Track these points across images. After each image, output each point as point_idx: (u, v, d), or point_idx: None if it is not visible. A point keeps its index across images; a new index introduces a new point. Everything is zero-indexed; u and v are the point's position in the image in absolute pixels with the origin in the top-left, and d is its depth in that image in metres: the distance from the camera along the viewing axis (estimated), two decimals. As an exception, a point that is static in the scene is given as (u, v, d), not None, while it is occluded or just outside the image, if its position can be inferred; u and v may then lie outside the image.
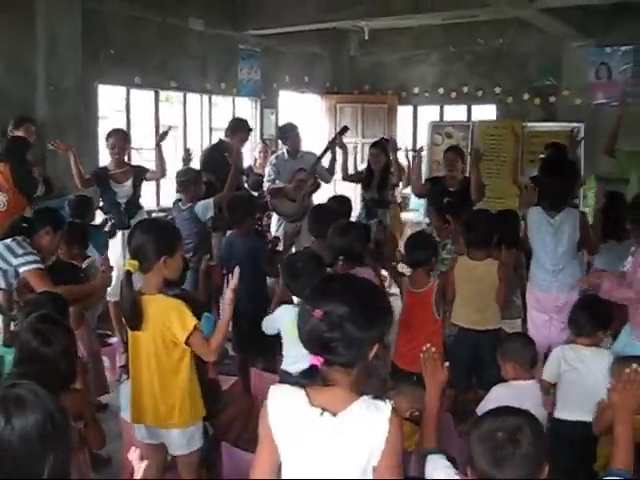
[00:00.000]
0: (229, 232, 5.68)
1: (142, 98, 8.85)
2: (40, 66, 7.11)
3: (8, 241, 4.23)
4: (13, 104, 6.80)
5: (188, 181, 6.07)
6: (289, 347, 3.94)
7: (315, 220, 5.20)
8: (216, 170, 6.70)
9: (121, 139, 6.55)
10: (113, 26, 7.90)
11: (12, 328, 4.75)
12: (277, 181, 7.32)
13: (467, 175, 6.75)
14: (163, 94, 9.23)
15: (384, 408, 2.04)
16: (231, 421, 4.01)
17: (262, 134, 10.17)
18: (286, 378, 2.38)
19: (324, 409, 2.02)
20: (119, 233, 6.28)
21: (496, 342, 4.35)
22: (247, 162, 8.56)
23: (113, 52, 7.84)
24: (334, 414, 2.02)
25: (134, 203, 6.53)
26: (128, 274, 3.12)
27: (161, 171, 6.69)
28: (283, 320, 3.94)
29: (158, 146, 6.66)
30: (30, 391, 1.78)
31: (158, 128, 8.61)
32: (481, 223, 4.77)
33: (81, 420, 2.94)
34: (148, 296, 3.18)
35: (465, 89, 10.64)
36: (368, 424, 2.02)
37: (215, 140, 8.42)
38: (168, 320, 3.11)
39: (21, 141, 5.99)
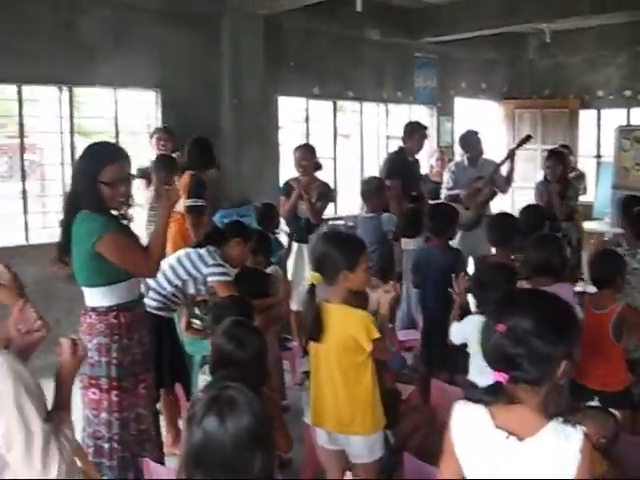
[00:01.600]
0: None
1: (318, 108, 9.02)
2: (225, 80, 7.44)
3: (201, 250, 4.48)
4: (200, 116, 7.14)
5: (371, 190, 6.07)
6: (476, 358, 3.82)
7: (495, 229, 5.03)
8: (399, 177, 6.64)
9: (307, 154, 6.46)
10: (292, 39, 8.13)
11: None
12: (455, 189, 7.18)
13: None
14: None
15: (575, 436, 1.89)
16: (412, 431, 3.95)
17: (438, 142, 10.07)
18: (471, 391, 2.29)
19: (510, 432, 1.91)
20: (295, 246, 6.35)
21: None
22: (424, 170, 8.48)
23: (292, 64, 8.06)
24: (520, 439, 1.90)
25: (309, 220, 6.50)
26: (311, 286, 3.14)
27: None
28: (471, 329, 3.82)
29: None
30: (242, 393, 1.82)
31: (336, 138, 8.74)
32: None
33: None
34: (333, 305, 3.18)
35: (654, 91, 10.01)
36: (558, 454, 1.88)
37: (393, 148, 8.40)
38: (354, 331, 3.11)
39: (202, 149, 6.14)
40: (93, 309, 3.37)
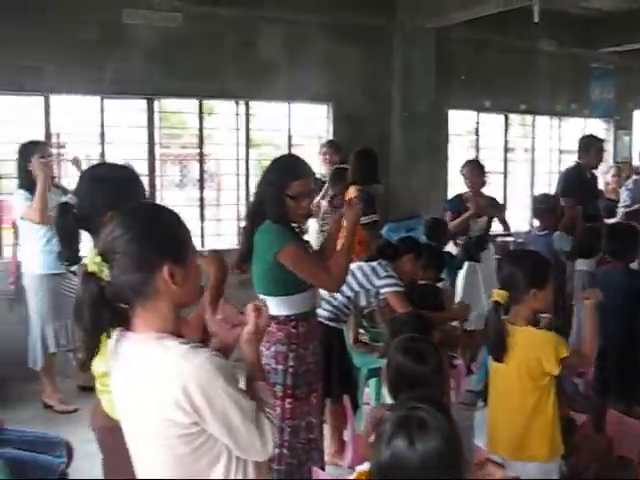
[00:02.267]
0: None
1: (489, 121, 8.85)
2: (396, 93, 7.47)
3: (374, 263, 4.51)
4: (370, 129, 7.21)
5: (546, 208, 5.87)
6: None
7: None
8: (575, 194, 6.34)
9: (475, 170, 6.33)
10: (462, 51, 8.03)
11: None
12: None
13: None
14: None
15: None
16: (588, 462, 3.75)
17: (615, 157, 9.58)
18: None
19: None
20: (466, 264, 6.23)
21: None
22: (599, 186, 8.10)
23: (463, 77, 7.96)
24: None
25: (484, 238, 6.38)
26: (496, 304, 3.06)
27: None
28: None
29: None
30: (432, 415, 1.78)
31: (507, 152, 8.54)
32: None
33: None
34: (516, 327, 3.09)
35: None
36: None
37: (565, 163, 8.10)
38: (540, 352, 2.99)
39: (369, 161, 6.14)
40: (272, 317, 3.45)
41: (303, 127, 7.67)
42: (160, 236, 1.82)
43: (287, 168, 3.45)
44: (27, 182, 5.37)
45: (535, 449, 3.10)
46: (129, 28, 6.38)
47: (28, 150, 5.40)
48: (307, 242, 3.59)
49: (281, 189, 3.34)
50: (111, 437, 2.13)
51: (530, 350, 3.02)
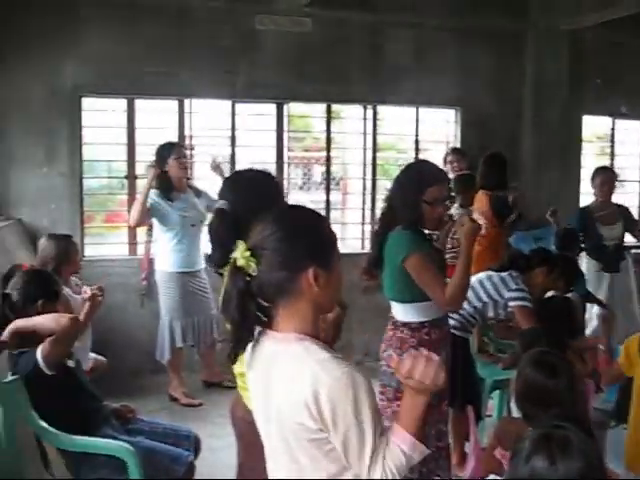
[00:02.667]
0: None
1: (625, 127, 8.46)
2: (527, 98, 7.29)
3: (504, 274, 4.42)
4: (499, 135, 7.06)
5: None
6: None
7: None
8: None
9: (609, 179, 6.16)
10: (597, 54, 7.69)
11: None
12: None
13: None
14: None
15: None
16: None
17: None
18: None
19: None
20: (607, 276, 5.99)
21: None
22: None
23: (600, 81, 7.65)
24: None
25: (620, 247, 6.15)
26: None
27: None
28: None
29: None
30: (575, 435, 1.72)
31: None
32: None
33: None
34: None
35: None
36: None
37: None
38: None
39: (498, 165, 6.00)
40: (405, 324, 3.44)
41: (429, 132, 7.60)
42: (309, 238, 1.85)
43: (425, 174, 3.42)
44: (163, 182, 5.59)
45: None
46: (261, 34, 6.52)
47: (165, 151, 5.62)
48: (439, 250, 3.54)
49: (417, 194, 3.31)
50: (250, 430, 2.16)
51: None
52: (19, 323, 3.25)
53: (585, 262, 6.11)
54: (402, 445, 1.77)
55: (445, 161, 6.74)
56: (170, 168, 5.60)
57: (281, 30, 6.57)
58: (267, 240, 1.82)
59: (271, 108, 6.77)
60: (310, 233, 1.87)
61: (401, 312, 3.45)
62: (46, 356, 3.19)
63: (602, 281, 6.01)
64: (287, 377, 1.79)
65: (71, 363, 3.51)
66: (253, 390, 1.99)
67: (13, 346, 3.29)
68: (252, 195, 2.58)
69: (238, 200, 2.59)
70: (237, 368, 2.36)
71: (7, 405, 3.06)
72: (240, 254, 1.82)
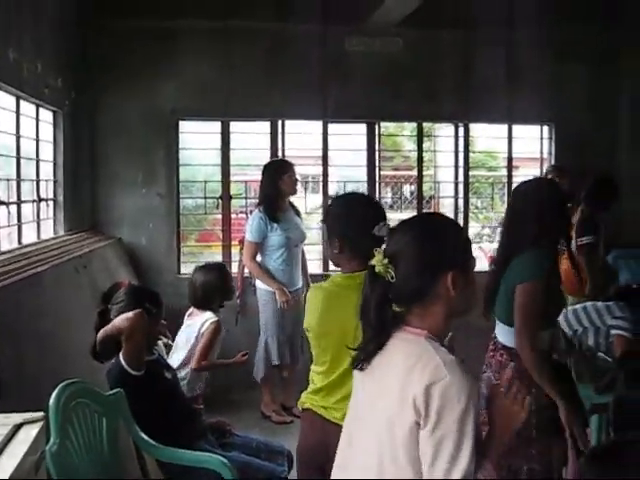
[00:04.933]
0: None
1: None
2: (623, 114, 7.08)
3: (611, 303, 4.32)
4: (596, 152, 6.88)
5: None
6: None
7: None
8: None
9: None
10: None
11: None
12: None
13: None
14: None
15: None
16: None
17: None
18: None
19: None
20: None
21: None
22: None
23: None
24: None
25: None
26: None
27: None
28: None
29: None
30: None
31: None
32: None
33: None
34: None
35: None
36: None
37: None
38: None
39: (605, 189, 5.82)
40: (505, 347, 3.28)
41: (522, 149, 7.48)
42: (447, 243, 1.90)
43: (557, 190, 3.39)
44: (272, 201, 5.61)
45: None
46: (351, 54, 6.60)
47: (278, 168, 5.65)
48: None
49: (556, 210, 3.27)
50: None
51: None
52: (101, 332, 3.38)
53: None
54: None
55: (546, 176, 6.57)
56: (285, 185, 5.61)
57: (371, 50, 6.62)
58: (405, 247, 1.87)
59: (362, 128, 6.82)
60: (447, 238, 1.92)
61: (505, 335, 3.34)
62: (125, 354, 3.30)
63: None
64: (407, 367, 1.80)
65: (168, 375, 3.61)
66: (357, 390, 2.02)
67: (104, 356, 3.42)
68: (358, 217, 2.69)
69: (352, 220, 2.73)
70: None
71: (110, 416, 3.16)
72: (378, 262, 1.87)
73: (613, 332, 4.19)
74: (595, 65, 7.04)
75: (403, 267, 1.84)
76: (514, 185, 6.46)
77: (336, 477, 2.03)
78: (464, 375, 1.75)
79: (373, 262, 1.87)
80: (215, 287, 4.52)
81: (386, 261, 1.85)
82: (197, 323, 4.38)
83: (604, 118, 7.09)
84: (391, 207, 10.26)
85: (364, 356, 1.94)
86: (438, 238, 1.89)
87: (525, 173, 7.59)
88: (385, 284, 1.85)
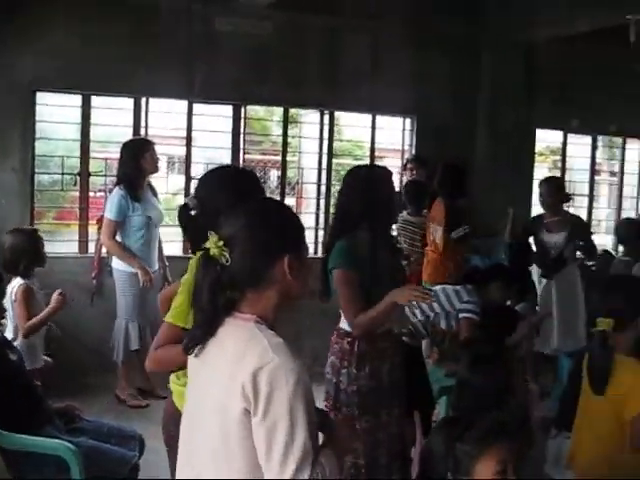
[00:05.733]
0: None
1: (576, 142, 8.65)
2: (482, 108, 7.38)
3: (459, 287, 4.48)
4: (454, 144, 7.12)
5: (630, 234, 5.72)
6: None
7: None
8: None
9: (557, 188, 6.18)
10: (552, 69, 7.83)
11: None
12: None
13: None
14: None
15: None
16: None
17: None
18: None
19: None
20: (551, 282, 6.10)
21: None
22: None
23: (554, 94, 7.80)
24: None
25: (561, 257, 6.21)
26: (602, 333, 2.90)
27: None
28: None
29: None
30: None
31: (594, 174, 8.33)
32: None
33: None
34: (618, 356, 2.89)
35: None
36: None
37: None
38: (631, 383, 2.84)
39: (457, 174, 6.07)
40: (348, 333, 3.41)
41: (386, 139, 7.66)
42: (283, 227, 1.91)
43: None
44: (132, 180, 5.46)
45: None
46: (220, 35, 6.49)
47: (139, 146, 5.50)
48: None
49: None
50: (175, 428, 2.15)
51: (630, 383, 2.84)
52: None
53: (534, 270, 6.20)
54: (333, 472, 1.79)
55: (405, 168, 6.78)
56: (146, 164, 5.47)
57: (241, 32, 6.55)
58: (241, 230, 1.85)
59: (228, 110, 6.75)
60: (283, 222, 1.93)
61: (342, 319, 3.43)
62: None
63: (548, 287, 6.10)
64: (231, 355, 1.79)
65: (13, 357, 3.47)
66: (192, 377, 1.99)
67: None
68: (223, 191, 2.57)
69: (209, 196, 2.61)
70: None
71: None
72: (212, 244, 1.84)
73: (461, 315, 4.37)
74: (457, 59, 7.28)
75: (238, 251, 1.83)
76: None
77: (180, 472, 2.00)
78: (291, 357, 1.75)
79: (207, 245, 1.85)
80: (22, 250, 4.39)
81: (221, 244, 1.83)
82: (8, 292, 4.24)
83: (465, 111, 7.35)
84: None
85: (192, 342, 1.91)
86: (273, 223, 1.90)
87: (390, 164, 7.76)
88: (219, 268, 1.83)
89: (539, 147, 8.75)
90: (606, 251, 6.84)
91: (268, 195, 8.40)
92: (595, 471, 2.97)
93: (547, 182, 6.26)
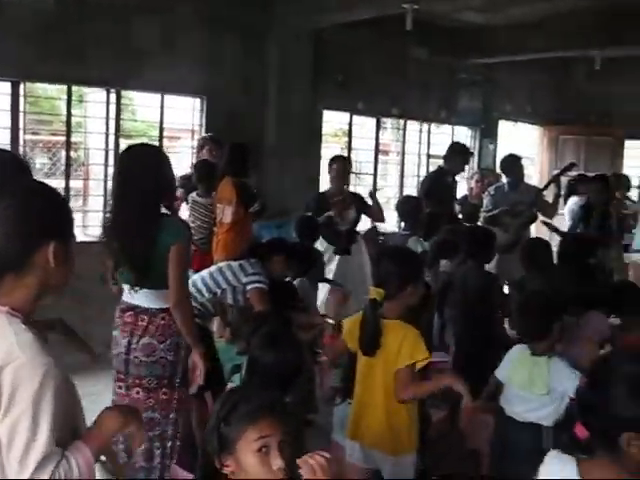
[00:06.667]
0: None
1: (362, 123, 9.04)
2: (271, 90, 7.49)
3: (243, 261, 4.53)
4: (244, 126, 7.18)
5: (409, 210, 6.06)
6: (508, 387, 3.74)
7: (530, 254, 5.04)
8: (436, 198, 6.61)
9: (343, 167, 6.51)
10: (339, 53, 8.13)
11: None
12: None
13: None
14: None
15: None
16: (442, 456, 3.92)
17: (480, 164, 10.01)
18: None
19: None
20: (337, 258, 6.36)
21: None
22: (463, 191, 8.47)
23: (339, 79, 8.08)
24: None
25: (352, 231, 6.53)
26: (374, 302, 3.13)
27: (380, 217, 6.69)
28: (508, 358, 3.73)
29: (372, 196, 6.64)
30: None
31: (378, 154, 8.75)
32: None
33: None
34: (388, 321, 3.16)
35: None
36: None
37: (433, 167, 8.40)
38: (407, 347, 3.09)
39: (244, 154, 6.14)
40: (165, 310, 3.44)
41: (176, 119, 7.56)
42: (50, 213, 1.82)
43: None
44: None
45: (397, 443, 3.20)
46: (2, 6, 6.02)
47: None
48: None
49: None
50: None
51: (399, 344, 3.10)
52: None
53: (321, 245, 6.42)
54: (82, 465, 1.74)
55: (201, 149, 6.70)
56: None
57: (21, 3, 6.12)
58: (3, 214, 1.76)
59: (6, 87, 6.32)
60: (49, 207, 1.84)
61: (159, 298, 3.44)
62: None
63: (335, 262, 6.38)
64: None
65: None
66: None
67: None
68: None
69: None
70: None
71: None
72: None
73: (249, 287, 4.42)
74: (246, 41, 7.33)
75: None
76: (178, 156, 6.52)
77: None
78: (41, 354, 1.70)
79: None
80: None
81: None
82: None
83: (255, 94, 7.43)
84: (46, 174, 9.76)
85: None
86: (37, 206, 1.81)
87: (185, 144, 7.70)
88: None
89: (332, 129, 9.06)
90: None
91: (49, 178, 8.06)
92: (377, 428, 3.19)
93: (333, 161, 6.52)
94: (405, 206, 6.17)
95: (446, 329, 5.91)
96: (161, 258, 3.32)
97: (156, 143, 6.94)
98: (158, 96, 7.10)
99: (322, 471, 1.84)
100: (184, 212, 6.32)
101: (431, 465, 3.74)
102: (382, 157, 9.53)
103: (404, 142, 9.38)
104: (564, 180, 7.77)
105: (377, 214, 6.59)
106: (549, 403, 3.36)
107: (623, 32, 7.94)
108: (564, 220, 7.68)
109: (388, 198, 9.41)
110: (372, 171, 9.00)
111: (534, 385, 3.36)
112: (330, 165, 6.51)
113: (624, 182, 8.84)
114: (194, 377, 3.44)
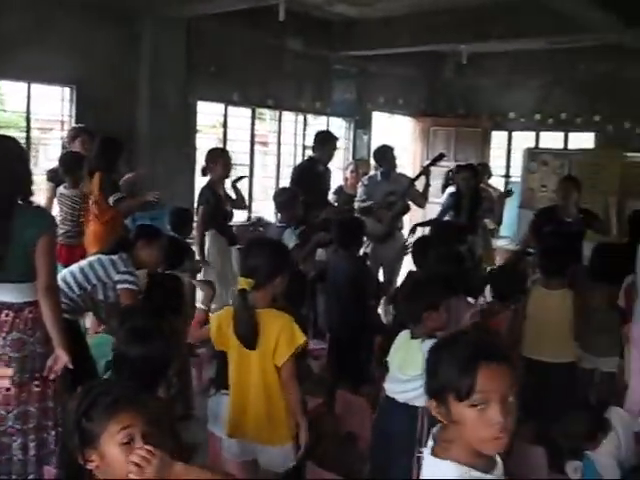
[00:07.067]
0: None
1: (238, 114, 9.01)
2: (143, 81, 7.36)
3: (114, 257, 4.42)
4: (116, 116, 7.02)
5: (284, 201, 6.10)
6: (391, 369, 3.84)
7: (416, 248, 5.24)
8: (306, 188, 6.68)
9: (219, 160, 6.44)
10: (213, 44, 8.08)
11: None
12: (368, 202, 7.27)
13: (582, 207, 6.40)
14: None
15: None
16: (316, 441, 3.98)
17: (354, 154, 10.20)
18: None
19: None
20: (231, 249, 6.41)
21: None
22: (338, 182, 8.60)
23: (213, 69, 8.03)
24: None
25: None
26: (243, 292, 3.12)
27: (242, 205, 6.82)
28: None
29: (234, 186, 6.69)
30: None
31: (254, 145, 8.76)
32: (558, 251, 4.63)
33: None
34: (260, 310, 3.15)
35: (563, 116, 10.41)
36: None
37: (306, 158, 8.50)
38: (280, 334, 3.10)
39: (114, 148, 6.00)
40: (32, 303, 3.37)
41: (45, 110, 7.31)
42: None
43: None
44: None
45: (276, 433, 3.23)
46: None
47: None
48: None
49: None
50: None
51: (272, 332, 3.11)
52: None
53: (212, 238, 6.39)
54: None
55: (73, 140, 6.47)
56: None
57: None
58: None
59: None
60: None
61: (28, 291, 3.38)
62: None
63: (230, 255, 6.41)
64: None
65: None
66: None
67: None
68: None
69: None
70: None
71: None
72: None
73: (119, 287, 4.34)
74: (118, 30, 7.19)
75: None
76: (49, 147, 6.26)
77: None
78: None
79: None
80: None
81: None
82: None
83: (125, 84, 7.28)
84: None
85: None
86: None
87: (55, 136, 7.44)
88: None
89: (208, 120, 8.98)
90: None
91: None
92: (257, 421, 3.22)
93: (213, 153, 6.50)
94: (280, 198, 6.20)
95: (321, 317, 6.04)
96: (25, 250, 3.27)
97: (24, 134, 6.70)
98: (23, 85, 6.83)
99: (148, 465, 1.90)
100: (55, 207, 6.12)
101: (307, 451, 3.79)
102: (260, 148, 9.56)
103: (280, 133, 9.44)
104: (438, 170, 8.05)
105: (239, 203, 6.66)
106: (421, 384, 3.48)
107: (488, 28, 8.29)
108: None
109: (266, 188, 9.45)
110: (248, 162, 8.99)
111: (408, 367, 3.48)
112: (212, 159, 6.44)
113: (488, 171, 9.27)
114: (54, 369, 3.37)
